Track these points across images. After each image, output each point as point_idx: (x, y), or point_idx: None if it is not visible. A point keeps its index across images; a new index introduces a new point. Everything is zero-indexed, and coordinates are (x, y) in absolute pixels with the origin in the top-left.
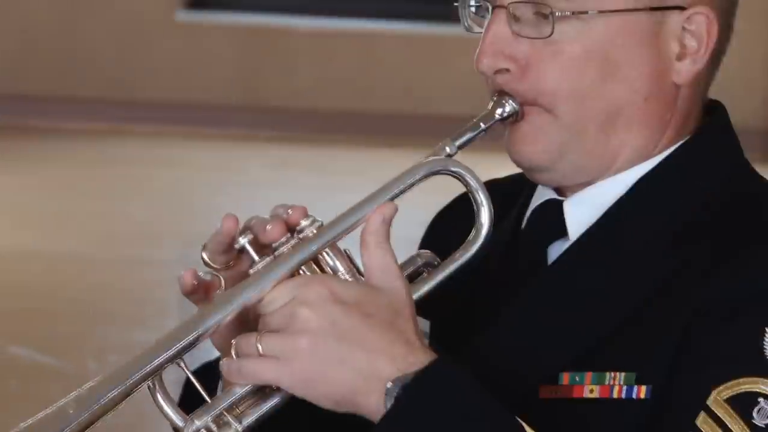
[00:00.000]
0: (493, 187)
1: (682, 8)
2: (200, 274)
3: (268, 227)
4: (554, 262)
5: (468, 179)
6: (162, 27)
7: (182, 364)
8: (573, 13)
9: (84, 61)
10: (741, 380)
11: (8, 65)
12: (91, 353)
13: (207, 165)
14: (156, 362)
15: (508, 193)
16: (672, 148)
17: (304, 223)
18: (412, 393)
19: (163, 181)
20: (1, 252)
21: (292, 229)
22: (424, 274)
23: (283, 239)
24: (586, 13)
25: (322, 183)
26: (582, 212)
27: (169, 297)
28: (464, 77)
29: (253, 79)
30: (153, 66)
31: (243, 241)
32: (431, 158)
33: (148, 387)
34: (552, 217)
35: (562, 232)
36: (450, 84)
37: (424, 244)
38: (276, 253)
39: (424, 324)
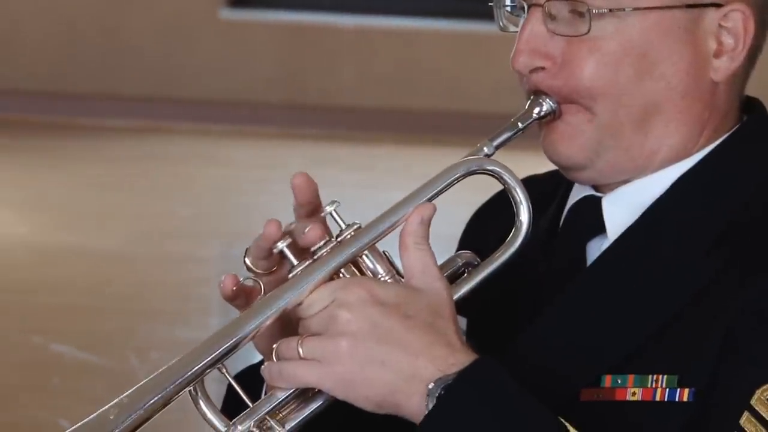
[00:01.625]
0: (531, 183)
1: (718, 5)
2: (241, 279)
3: (306, 230)
4: (594, 263)
5: (506, 178)
6: (206, 25)
7: (224, 370)
8: (610, 10)
9: (128, 60)
10: None
11: (54, 64)
12: (134, 350)
13: (250, 162)
14: (196, 368)
15: (547, 190)
16: (710, 147)
17: (342, 225)
18: (454, 393)
19: (206, 178)
20: (46, 249)
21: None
22: (465, 275)
23: (322, 243)
24: (623, 10)
25: (365, 181)
26: (620, 209)
27: (212, 294)
28: (507, 74)
29: (295, 77)
30: (197, 64)
31: (281, 245)
32: (468, 158)
33: (190, 393)
34: (590, 213)
35: (600, 228)
36: (492, 81)
37: (462, 242)
38: (315, 256)
39: (462, 322)
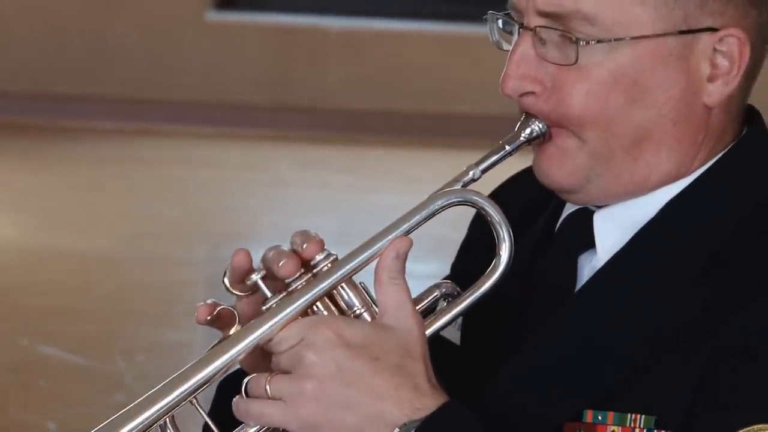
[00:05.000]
0: (530, 181)
1: (713, 29)
2: (217, 308)
3: (281, 263)
4: (580, 291)
5: (489, 211)
6: (192, 27)
7: (195, 403)
8: (598, 41)
9: (114, 61)
10: (755, 427)
11: (40, 66)
12: (121, 353)
13: (237, 165)
14: (165, 405)
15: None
16: (704, 168)
17: (318, 257)
18: None
19: (192, 180)
20: (32, 251)
21: (307, 262)
22: (444, 305)
23: (297, 275)
24: (612, 40)
25: (352, 183)
26: (611, 227)
27: (198, 297)
28: (493, 77)
29: (282, 79)
30: (183, 66)
31: (255, 277)
32: (450, 188)
33: (159, 426)
34: (582, 227)
35: (591, 243)
36: (479, 84)
37: (466, 242)
38: (289, 289)
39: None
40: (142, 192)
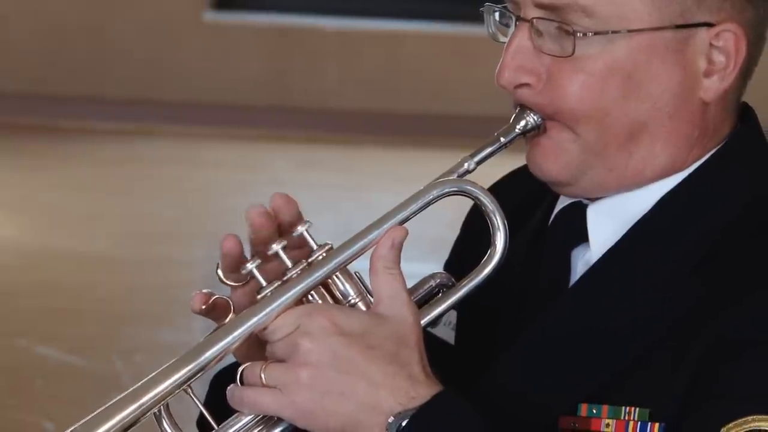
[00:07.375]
0: (522, 177)
1: (709, 25)
2: (215, 296)
3: (256, 221)
4: (575, 284)
5: (484, 200)
6: (189, 27)
7: (190, 392)
8: (595, 33)
9: (112, 62)
10: (750, 418)
11: (38, 66)
12: (119, 353)
13: (234, 165)
14: (159, 392)
15: (535, 186)
16: (697, 164)
17: (314, 246)
18: (412, 429)
19: (190, 181)
20: (30, 251)
21: (285, 230)
22: (439, 295)
23: (290, 264)
24: (608, 33)
25: (349, 183)
26: (605, 220)
27: None
28: (491, 77)
29: (280, 80)
30: (180, 66)
31: (250, 266)
32: (444, 178)
33: (154, 415)
34: (575, 221)
35: (584, 237)
36: (476, 84)
37: (460, 240)
38: (285, 278)
39: (452, 315)
40: (140, 192)
